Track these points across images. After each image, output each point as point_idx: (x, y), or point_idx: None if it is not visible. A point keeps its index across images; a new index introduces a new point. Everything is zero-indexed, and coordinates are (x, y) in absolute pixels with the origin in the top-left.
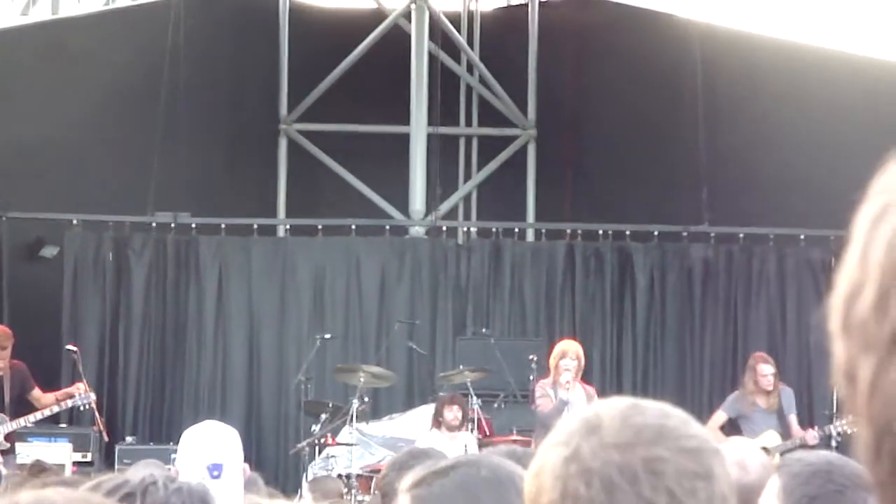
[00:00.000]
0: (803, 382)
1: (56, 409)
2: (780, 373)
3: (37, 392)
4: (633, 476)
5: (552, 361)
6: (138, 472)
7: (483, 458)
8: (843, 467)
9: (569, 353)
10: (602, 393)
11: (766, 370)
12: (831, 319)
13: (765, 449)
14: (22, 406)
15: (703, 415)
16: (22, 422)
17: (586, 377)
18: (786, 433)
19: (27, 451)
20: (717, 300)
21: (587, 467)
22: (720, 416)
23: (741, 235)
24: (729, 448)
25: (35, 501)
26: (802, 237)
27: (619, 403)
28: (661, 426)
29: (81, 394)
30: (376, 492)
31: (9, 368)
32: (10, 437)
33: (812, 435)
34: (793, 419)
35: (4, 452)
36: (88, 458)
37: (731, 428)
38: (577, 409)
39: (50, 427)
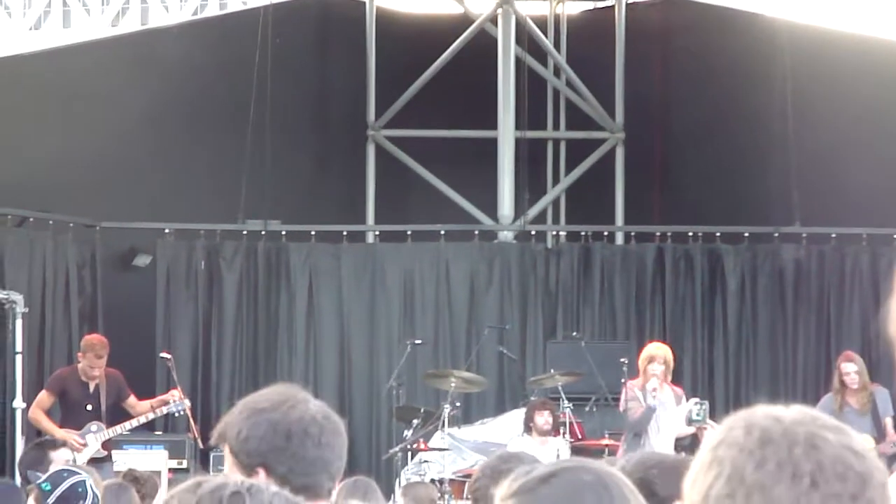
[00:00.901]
0: None
1: (151, 416)
2: (870, 372)
3: (132, 400)
4: (792, 439)
5: (641, 364)
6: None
7: (585, 463)
8: None
9: (657, 357)
10: (694, 395)
11: (848, 368)
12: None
13: None
14: (118, 414)
15: None
16: (118, 429)
17: (677, 380)
18: (880, 436)
19: (123, 459)
20: (810, 302)
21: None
22: None
23: (833, 235)
24: None
25: None
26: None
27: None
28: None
29: (176, 400)
30: (469, 497)
31: (104, 377)
32: (106, 445)
33: None
34: (889, 421)
35: (101, 460)
36: (184, 465)
37: None
38: (665, 412)
39: (145, 435)
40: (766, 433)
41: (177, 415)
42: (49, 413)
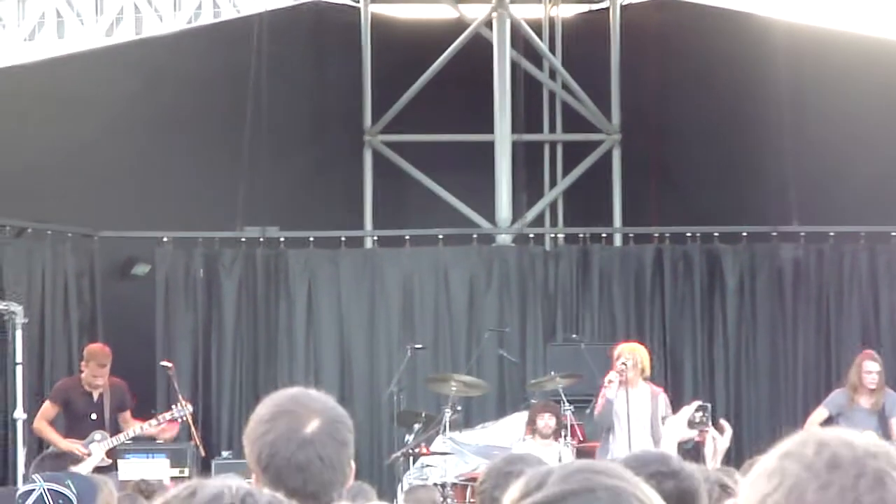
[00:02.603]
0: None
1: (154, 423)
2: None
3: (127, 414)
4: (860, 470)
5: (613, 362)
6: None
7: (599, 481)
8: None
9: (622, 354)
10: (695, 395)
11: (871, 367)
12: None
13: None
14: (125, 421)
15: (797, 416)
16: (122, 437)
17: (677, 379)
18: (885, 436)
19: (125, 468)
20: (809, 300)
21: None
22: (821, 413)
23: (831, 234)
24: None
25: None
26: (894, 234)
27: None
28: None
29: (178, 407)
30: (474, 500)
31: (108, 386)
32: (110, 454)
33: None
34: (894, 422)
35: (105, 469)
36: (186, 474)
37: (830, 425)
38: (633, 410)
39: (147, 443)
40: (836, 458)
41: (180, 420)
42: (53, 423)
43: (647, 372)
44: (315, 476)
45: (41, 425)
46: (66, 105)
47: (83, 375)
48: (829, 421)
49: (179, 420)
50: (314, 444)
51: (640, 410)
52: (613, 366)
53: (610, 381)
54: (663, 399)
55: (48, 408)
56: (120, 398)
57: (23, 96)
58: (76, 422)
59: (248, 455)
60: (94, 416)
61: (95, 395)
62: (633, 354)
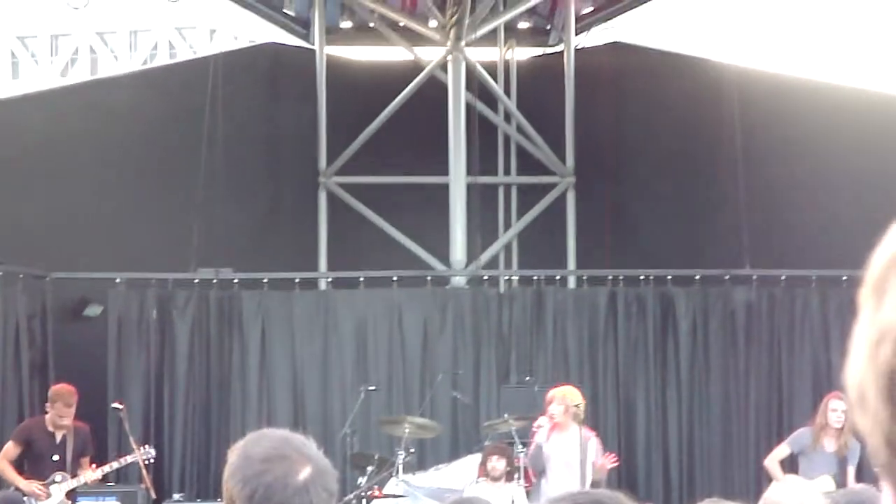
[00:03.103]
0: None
1: (116, 465)
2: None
3: (86, 460)
4: None
5: (545, 406)
6: None
7: None
8: None
9: (555, 398)
10: (648, 437)
11: (836, 405)
12: (848, 395)
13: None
14: (81, 466)
15: (749, 457)
16: (82, 479)
17: (630, 419)
18: (842, 483)
19: None
20: (761, 343)
21: None
22: (783, 450)
23: (783, 278)
24: (788, 495)
25: None
26: (845, 278)
27: None
28: None
29: (143, 450)
30: None
31: (72, 428)
32: (70, 495)
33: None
34: (851, 470)
35: None
36: None
37: (791, 464)
38: (562, 453)
39: (98, 486)
40: None
41: (147, 462)
42: (14, 464)
43: (581, 416)
44: None
45: (2, 465)
46: (18, 144)
47: (48, 416)
48: (790, 458)
49: (147, 462)
50: (308, 492)
51: (570, 454)
52: (545, 410)
53: (539, 426)
54: (594, 443)
55: (10, 447)
56: (83, 442)
57: None
58: (38, 462)
59: (234, 492)
60: (55, 457)
61: (59, 437)
62: (563, 399)
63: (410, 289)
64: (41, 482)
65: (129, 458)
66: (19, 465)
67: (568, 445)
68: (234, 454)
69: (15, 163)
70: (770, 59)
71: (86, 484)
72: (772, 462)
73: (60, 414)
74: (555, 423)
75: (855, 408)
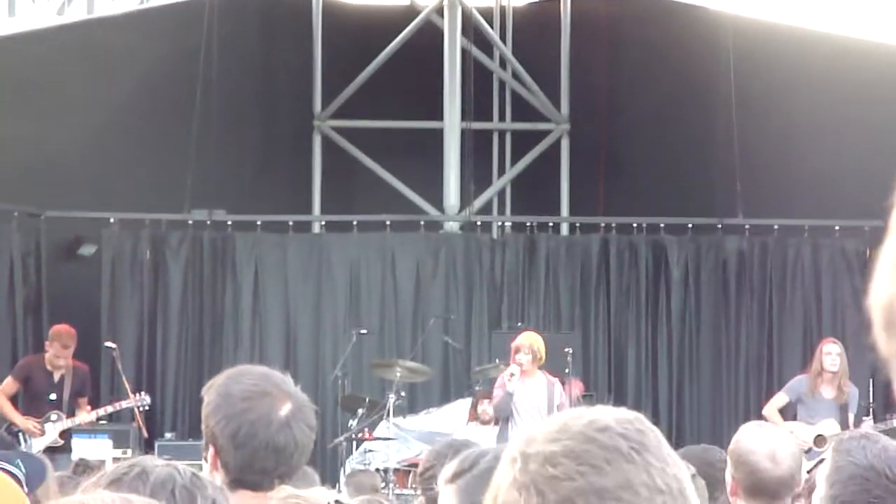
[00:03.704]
0: None
1: (111, 409)
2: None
3: (84, 401)
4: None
5: (512, 354)
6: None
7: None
8: (884, 473)
9: (522, 347)
10: (638, 385)
11: (830, 349)
12: (873, 318)
13: (821, 437)
14: (78, 406)
15: (738, 407)
16: (78, 420)
17: (620, 368)
18: (844, 426)
19: (78, 448)
20: (752, 292)
21: None
22: (781, 398)
23: (776, 227)
24: (759, 439)
25: None
26: (837, 228)
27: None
28: None
29: (139, 396)
30: (418, 483)
31: (72, 368)
32: (63, 435)
33: (869, 426)
34: (851, 417)
35: (59, 450)
36: (128, 455)
37: (789, 413)
38: (530, 399)
39: (90, 424)
40: None
41: (141, 409)
42: (12, 400)
43: (543, 360)
44: (287, 459)
45: None
46: (15, 84)
47: (47, 355)
48: (788, 406)
49: (141, 409)
50: (291, 427)
51: (537, 399)
52: (512, 357)
53: (512, 375)
54: (558, 388)
55: (8, 383)
56: (81, 383)
57: None
58: (35, 400)
59: (217, 431)
60: (52, 396)
61: (56, 376)
62: (531, 347)
63: (403, 233)
64: (37, 419)
65: (124, 404)
66: (17, 402)
67: (535, 391)
68: (212, 392)
69: (10, 101)
70: (766, 7)
71: (79, 425)
72: (770, 410)
73: (57, 354)
74: (522, 371)
75: (882, 332)
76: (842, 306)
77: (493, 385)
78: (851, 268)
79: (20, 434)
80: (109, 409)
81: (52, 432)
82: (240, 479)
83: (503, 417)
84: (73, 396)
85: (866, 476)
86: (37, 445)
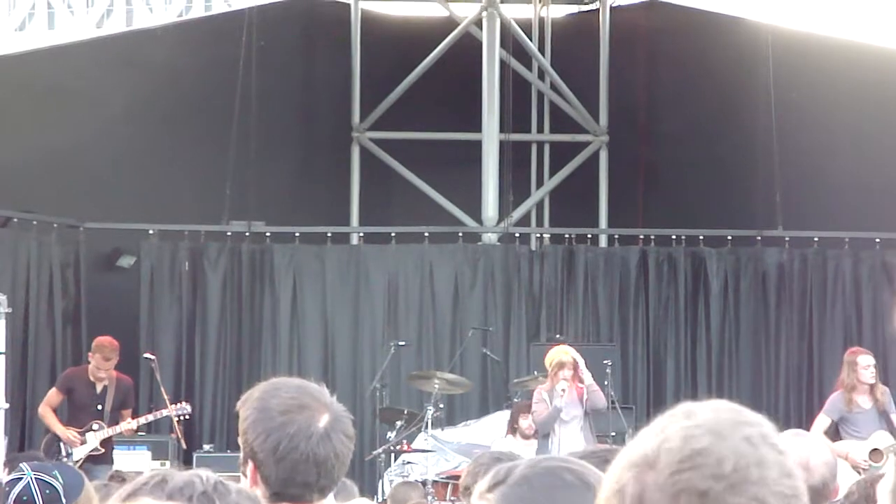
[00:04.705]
0: None
1: (151, 418)
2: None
3: (127, 412)
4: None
5: (550, 369)
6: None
7: (567, 462)
8: None
9: (566, 364)
10: (678, 398)
11: (866, 361)
12: None
13: (876, 451)
14: (121, 418)
15: (779, 420)
16: (118, 429)
17: (659, 380)
18: (892, 433)
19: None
20: (792, 305)
21: None
22: (823, 421)
23: (816, 239)
24: (793, 447)
25: None
26: (878, 240)
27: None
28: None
29: (180, 406)
30: (453, 498)
31: (116, 380)
32: (106, 444)
33: None
34: (894, 419)
35: (100, 460)
36: (167, 466)
37: (834, 431)
38: (569, 412)
39: (130, 434)
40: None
41: (182, 419)
42: (57, 411)
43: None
44: (329, 471)
45: (44, 410)
46: (54, 96)
47: (90, 366)
48: (832, 427)
49: (182, 419)
50: (330, 439)
51: (575, 410)
52: (555, 374)
53: (563, 391)
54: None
55: (53, 394)
56: (124, 395)
57: (11, 87)
58: (77, 410)
59: (256, 445)
60: (98, 407)
61: (99, 387)
62: (573, 360)
63: (442, 245)
64: (79, 430)
65: (164, 412)
66: (61, 413)
67: (572, 404)
68: (248, 407)
69: (50, 113)
70: (806, 19)
71: (121, 434)
72: (815, 434)
73: (98, 366)
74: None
75: None
76: (882, 319)
77: (532, 399)
78: (892, 280)
79: (61, 444)
80: (150, 417)
81: (92, 441)
82: (281, 493)
83: (544, 433)
84: (115, 408)
85: None
86: (77, 454)
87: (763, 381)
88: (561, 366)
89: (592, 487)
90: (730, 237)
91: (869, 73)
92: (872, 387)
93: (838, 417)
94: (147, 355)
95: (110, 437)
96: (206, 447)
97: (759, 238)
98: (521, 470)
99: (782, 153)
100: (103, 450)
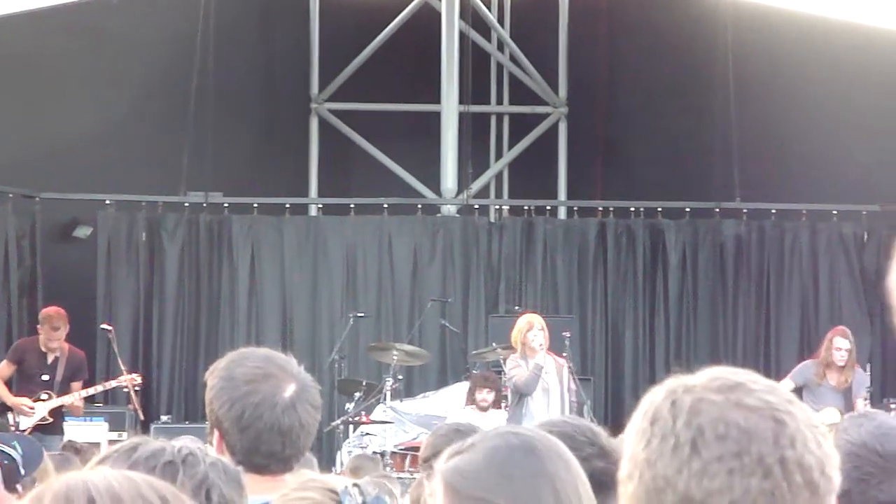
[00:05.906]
0: None
1: (101, 388)
2: (809, 347)
3: (78, 384)
4: (676, 411)
5: (518, 336)
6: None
7: (517, 428)
8: (875, 450)
9: (535, 324)
10: (636, 369)
11: (841, 343)
12: (891, 301)
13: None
14: (71, 390)
15: None
16: (68, 399)
17: (618, 352)
18: (848, 412)
19: (69, 430)
20: (750, 277)
21: None
22: (786, 384)
23: (773, 211)
24: None
25: (66, 488)
26: (835, 212)
27: None
28: None
29: (128, 376)
30: (412, 469)
31: (68, 352)
32: (55, 414)
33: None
34: (859, 402)
35: (49, 430)
36: (124, 437)
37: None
38: (543, 379)
39: (86, 406)
40: (656, 411)
41: (135, 390)
42: (7, 382)
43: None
44: (294, 441)
45: None
46: (9, 65)
47: (41, 337)
48: (794, 392)
49: (134, 390)
50: (295, 409)
51: (548, 380)
52: (523, 335)
53: (541, 345)
54: (566, 371)
55: (4, 366)
56: (75, 368)
57: None
58: (28, 380)
59: (221, 414)
60: (44, 378)
61: (50, 358)
62: (543, 324)
63: (400, 216)
64: (29, 400)
65: (113, 383)
66: (11, 384)
67: (549, 371)
68: (214, 376)
69: (4, 84)
70: None
71: (71, 405)
72: None
73: (48, 336)
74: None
75: None
76: (839, 290)
77: (506, 367)
78: (849, 252)
79: (10, 414)
80: (100, 388)
81: (41, 410)
82: (246, 462)
83: (522, 394)
84: (66, 380)
85: (858, 453)
86: (25, 423)
87: (720, 352)
88: (529, 326)
89: (538, 452)
90: (688, 209)
91: (827, 47)
92: (842, 368)
93: (802, 384)
94: (104, 326)
95: (59, 408)
96: (164, 418)
97: (718, 210)
98: (483, 443)
99: (740, 126)
100: (52, 419)
